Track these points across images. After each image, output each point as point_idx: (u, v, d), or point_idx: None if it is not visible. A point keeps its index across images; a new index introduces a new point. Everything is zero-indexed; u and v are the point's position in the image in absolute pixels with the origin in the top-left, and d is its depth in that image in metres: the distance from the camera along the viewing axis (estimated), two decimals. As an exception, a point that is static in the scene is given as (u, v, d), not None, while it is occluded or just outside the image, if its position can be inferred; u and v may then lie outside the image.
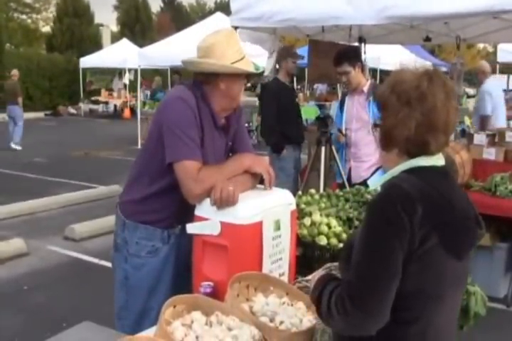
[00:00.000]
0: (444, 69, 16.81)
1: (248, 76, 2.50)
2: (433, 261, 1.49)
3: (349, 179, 4.66)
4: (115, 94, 24.55)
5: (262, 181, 2.41)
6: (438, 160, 1.62)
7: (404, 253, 1.45)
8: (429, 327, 1.55)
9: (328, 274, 1.72)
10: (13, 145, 13.56)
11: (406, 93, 1.56)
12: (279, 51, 6.12)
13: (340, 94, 5.18)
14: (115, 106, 23.94)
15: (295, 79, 16.24)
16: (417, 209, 1.46)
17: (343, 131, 4.71)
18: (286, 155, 5.73)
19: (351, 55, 4.62)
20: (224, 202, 2.13)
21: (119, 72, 23.62)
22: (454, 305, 1.66)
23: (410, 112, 1.55)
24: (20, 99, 13.90)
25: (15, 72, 14.50)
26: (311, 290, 1.65)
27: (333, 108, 11.86)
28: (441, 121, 1.56)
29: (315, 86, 15.85)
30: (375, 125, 1.72)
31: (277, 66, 6.24)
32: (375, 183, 1.68)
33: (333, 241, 2.56)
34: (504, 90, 18.69)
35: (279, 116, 5.65)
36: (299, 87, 20.23)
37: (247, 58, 2.38)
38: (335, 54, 4.66)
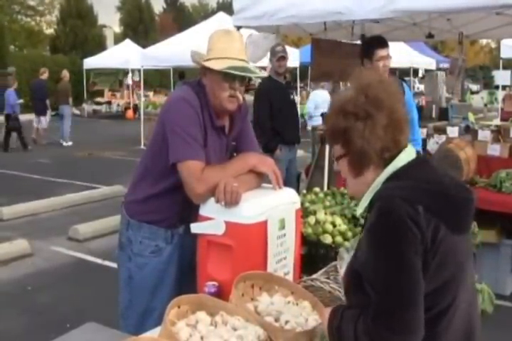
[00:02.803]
0: (446, 65, 16.76)
1: (248, 78, 2.47)
2: (447, 248, 1.47)
3: None
4: (118, 94, 24.55)
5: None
6: (410, 153, 1.59)
7: (421, 257, 1.42)
8: (456, 312, 1.51)
9: (339, 305, 1.66)
10: (63, 142, 14.46)
11: (359, 109, 1.54)
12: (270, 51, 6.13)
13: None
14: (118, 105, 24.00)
15: (298, 77, 16.19)
16: (417, 209, 1.43)
17: None
18: (280, 156, 5.60)
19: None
20: (228, 197, 2.10)
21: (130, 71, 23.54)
22: (471, 285, 1.62)
23: (375, 122, 1.53)
24: (70, 99, 14.81)
25: (65, 73, 15.26)
26: (327, 323, 1.58)
27: (312, 98, 11.59)
28: (403, 115, 1.57)
29: (321, 84, 15.73)
30: (337, 158, 1.64)
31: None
32: (362, 205, 1.62)
33: (338, 239, 2.55)
34: (508, 86, 18.66)
35: (273, 116, 5.61)
36: (301, 85, 20.18)
37: (238, 60, 2.28)
38: (370, 38, 4.49)
